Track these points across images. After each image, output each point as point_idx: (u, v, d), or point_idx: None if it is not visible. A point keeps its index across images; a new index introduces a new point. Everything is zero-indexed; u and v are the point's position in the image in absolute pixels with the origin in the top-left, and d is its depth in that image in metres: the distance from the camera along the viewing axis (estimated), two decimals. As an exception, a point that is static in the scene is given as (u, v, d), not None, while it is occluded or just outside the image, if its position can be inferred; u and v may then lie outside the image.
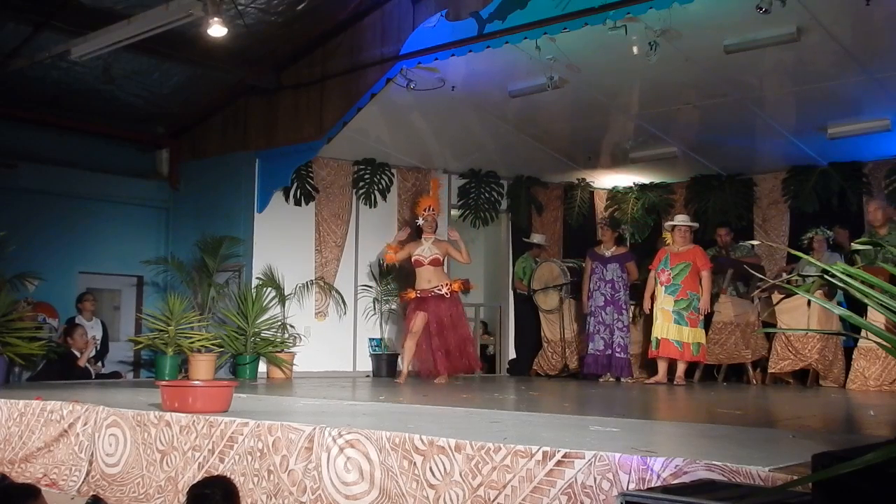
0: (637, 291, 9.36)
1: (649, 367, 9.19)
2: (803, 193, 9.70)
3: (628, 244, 10.39)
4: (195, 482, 3.54)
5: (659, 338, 8.58)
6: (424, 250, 8.77)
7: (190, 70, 9.58)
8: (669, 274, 8.62)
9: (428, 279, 8.68)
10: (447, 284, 8.69)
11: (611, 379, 9.13)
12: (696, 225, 9.07)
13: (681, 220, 8.92)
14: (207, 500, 3.21)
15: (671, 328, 8.53)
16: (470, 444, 3.30)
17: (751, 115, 8.72)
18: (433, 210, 8.99)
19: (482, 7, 7.70)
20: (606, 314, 9.15)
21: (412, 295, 8.77)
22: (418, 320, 8.58)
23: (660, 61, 7.20)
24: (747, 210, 10.25)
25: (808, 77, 7.93)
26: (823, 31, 7.06)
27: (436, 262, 8.73)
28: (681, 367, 8.58)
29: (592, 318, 9.22)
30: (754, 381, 8.79)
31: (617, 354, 9.06)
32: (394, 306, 10.31)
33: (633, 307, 9.39)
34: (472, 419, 4.74)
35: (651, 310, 8.78)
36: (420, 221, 8.97)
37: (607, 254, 9.33)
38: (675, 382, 8.52)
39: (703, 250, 8.87)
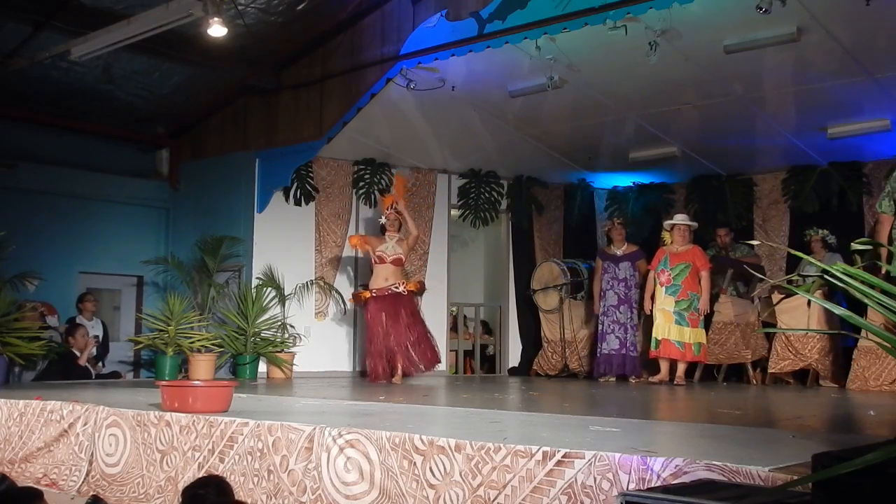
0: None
1: (649, 366, 9.19)
2: (803, 193, 9.69)
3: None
4: (189, 483, 3.53)
5: (659, 338, 8.58)
6: (388, 248, 8.76)
7: (190, 70, 9.57)
8: (669, 274, 8.62)
9: (385, 277, 8.66)
10: (404, 283, 8.71)
11: (610, 379, 9.14)
12: (695, 224, 9.06)
13: (680, 219, 8.93)
14: (202, 500, 3.20)
15: (672, 329, 8.54)
16: (470, 444, 3.30)
17: (751, 115, 8.71)
18: (394, 208, 8.92)
19: (482, 7, 7.69)
20: (621, 313, 9.15)
21: (366, 295, 8.72)
22: (384, 321, 8.51)
23: (660, 61, 7.19)
24: (747, 210, 10.23)
25: (808, 77, 7.92)
26: (823, 31, 7.05)
27: (397, 262, 8.73)
28: (681, 367, 8.59)
29: (606, 317, 9.21)
30: (754, 381, 8.80)
31: (630, 353, 9.07)
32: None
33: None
34: (472, 419, 4.74)
35: (651, 310, 8.78)
36: (382, 220, 8.99)
37: (618, 252, 9.33)
38: (675, 382, 8.52)
39: (703, 250, 8.88)
